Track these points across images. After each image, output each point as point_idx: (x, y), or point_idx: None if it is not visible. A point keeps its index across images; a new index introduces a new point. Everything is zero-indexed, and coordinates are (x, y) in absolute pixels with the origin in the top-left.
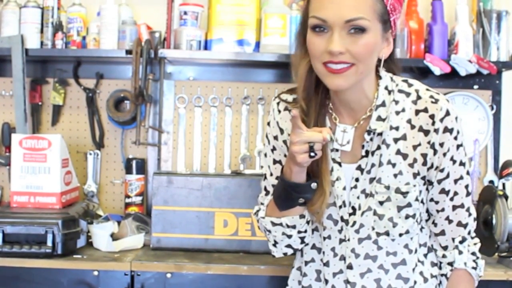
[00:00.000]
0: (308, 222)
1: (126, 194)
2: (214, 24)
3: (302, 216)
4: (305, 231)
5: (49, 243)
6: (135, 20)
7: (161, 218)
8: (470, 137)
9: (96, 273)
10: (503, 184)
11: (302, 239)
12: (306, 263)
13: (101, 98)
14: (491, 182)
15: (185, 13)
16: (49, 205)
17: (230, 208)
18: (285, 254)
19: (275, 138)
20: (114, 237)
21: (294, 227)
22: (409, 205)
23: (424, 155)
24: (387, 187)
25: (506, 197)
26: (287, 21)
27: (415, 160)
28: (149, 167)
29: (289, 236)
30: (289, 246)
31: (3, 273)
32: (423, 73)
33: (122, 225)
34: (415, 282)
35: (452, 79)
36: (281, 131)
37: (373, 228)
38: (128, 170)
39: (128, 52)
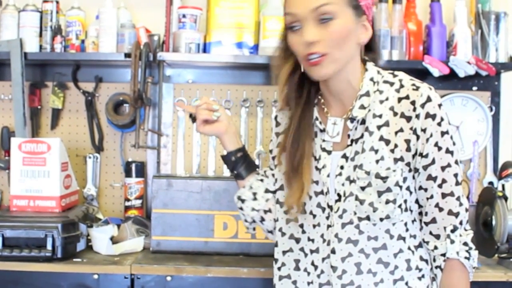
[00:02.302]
0: (268, 199)
1: (125, 197)
2: (213, 27)
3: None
4: (265, 210)
5: (49, 247)
6: (134, 24)
7: (161, 221)
8: (469, 139)
9: (96, 276)
10: (503, 185)
11: (262, 217)
12: (284, 252)
13: (100, 102)
14: (491, 183)
15: (184, 16)
16: (49, 208)
17: (230, 210)
18: (254, 228)
19: (272, 129)
20: (114, 240)
21: (242, 201)
22: (389, 190)
23: (408, 141)
24: (368, 173)
25: (506, 198)
26: None
27: (396, 146)
28: (149, 170)
29: (241, 208)
30: (252, 221)
31: (3, 277)
32: (422, 75)
33: (122, 228)
34: (396, 267)
35: (451, 81)
36: (277, 124)
37: (355, 213)
38: (128, 174)
39: (127, 55)
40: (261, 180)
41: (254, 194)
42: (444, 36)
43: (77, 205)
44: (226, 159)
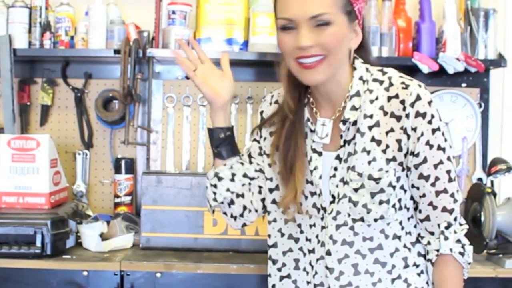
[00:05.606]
0: (244, 184)
1: (115, 194)
2: (203, 23)
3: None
4: (240, 194)
5: (38, 244)
6: (123, 20)
7: (150, 218)
8: (459, 135)
9: (85, 273)
10: (491, 182)
11: (240, 204)
12: (284, 253)
13: (90, 98)
14: (480, 179)
15: (174, 12)
16: (38, 205)
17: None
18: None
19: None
20: (103, 237)
21: (219, 178)
22: (382, 190)
23: (399, 141)
24: (360, 174)
25: (495, 195)
26: None
27: (387, 146)
28: (138, 166)
29: (214, 186)
30: (221, 202)
31: None
32: (411, 72)
33: (111, 225)
34: (393, 266)
35: (440, 77)
36: (262, 119)
37: (349, 215)
38: (117, 170)
39: (117, 51)
40: (242, 164)
41: (233, 175)
42: (433, 32)
43: (66, 202)
44: (213, 135)
